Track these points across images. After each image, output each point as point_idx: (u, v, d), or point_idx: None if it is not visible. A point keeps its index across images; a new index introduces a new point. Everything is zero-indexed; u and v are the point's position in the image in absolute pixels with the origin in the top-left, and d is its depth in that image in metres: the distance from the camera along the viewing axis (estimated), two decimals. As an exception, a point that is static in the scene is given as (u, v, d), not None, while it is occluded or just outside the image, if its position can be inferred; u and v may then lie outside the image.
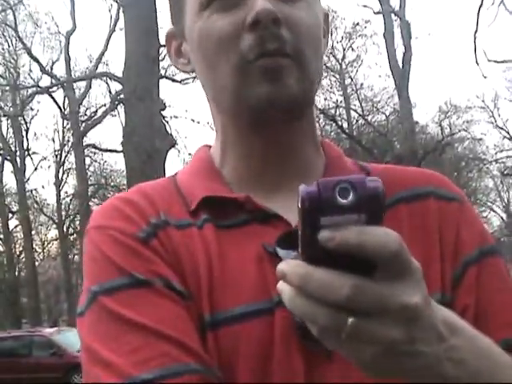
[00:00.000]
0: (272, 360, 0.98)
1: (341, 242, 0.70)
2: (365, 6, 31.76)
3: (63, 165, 39.48)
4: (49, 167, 39.62)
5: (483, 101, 38.96)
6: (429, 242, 1.09)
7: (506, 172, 43.13)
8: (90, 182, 36.05)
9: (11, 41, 35.01)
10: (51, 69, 35.45)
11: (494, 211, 59.54)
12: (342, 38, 34.01)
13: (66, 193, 40.67)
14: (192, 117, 28.75)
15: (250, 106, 1.06)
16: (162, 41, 8.86)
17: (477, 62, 24.10)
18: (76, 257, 41.20)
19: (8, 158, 38.14)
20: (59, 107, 35.16)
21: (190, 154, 20.83)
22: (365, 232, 0.71)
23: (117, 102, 29.13)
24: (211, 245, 1.05)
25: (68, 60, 34.22)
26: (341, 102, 34.15)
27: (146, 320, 0.95)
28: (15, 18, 32.33)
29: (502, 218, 61.27)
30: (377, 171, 1.19)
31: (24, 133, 38.13)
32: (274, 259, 1.01)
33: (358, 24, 33.45)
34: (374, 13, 30.52)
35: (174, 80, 26.44)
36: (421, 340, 0.76)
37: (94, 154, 37.12)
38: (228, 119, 1.15)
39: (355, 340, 0.73)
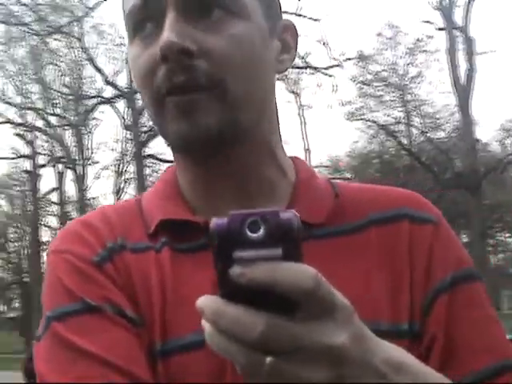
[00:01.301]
0: None
1: (251, 278, 0.67)
2: (427, 22, 31.57)
3: (123, 174, 39.91)
4: (109, 176, 40.13)
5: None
6: (399, 268, 1.04)
7: None
8: (149, 192, 36.29)
9: (76, 52, 35.54)
10: (114, 79, 35.87)
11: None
12: (404, 53, 33.90)
13: (126, 202, 41.05)
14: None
15: (170, 142, 1.04)
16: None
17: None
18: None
19: (69, 166, 38.66)
20: (121, 117, 35.56)
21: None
22: (276, 268, 0.67)
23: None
24: (166, 269, 1.02)
25: (131, 71, 34.56)
26: (402, 118, 33.97)
27: (95, 348, 0.93)
28: (81, 30, 32.79)
29: None
30: (348, 191, 1.15)
31: (86, 142, 38.65)
32: None
33: (420, 40, 33.30)
34: (437, 29, 30.31)
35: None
36: (352, 377, 0.72)
37: (154, 164, 37.45)
38: None
39: (278, 379, 0.69)
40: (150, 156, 36.13)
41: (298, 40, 1.15)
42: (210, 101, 0.99)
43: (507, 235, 50.37)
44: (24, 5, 27.62)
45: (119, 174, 39.58)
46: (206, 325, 0.72)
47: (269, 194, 1.09)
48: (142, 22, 1.03)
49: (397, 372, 0.76)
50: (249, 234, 0.67)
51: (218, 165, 1.06)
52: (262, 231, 0.67)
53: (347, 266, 1.02)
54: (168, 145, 1.07)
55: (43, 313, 1.02)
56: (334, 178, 1.22)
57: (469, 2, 28.44)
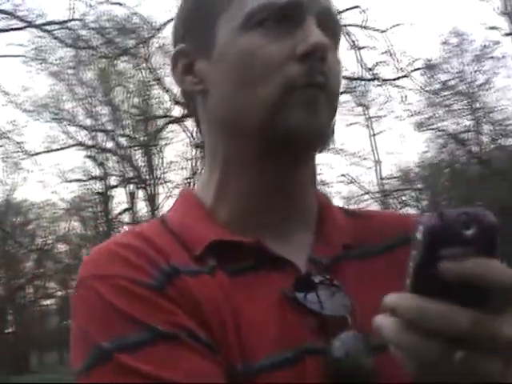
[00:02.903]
0: None
1: (462, 273, 0.70)
2: (493, 28, 31.19)
3: (193, 193, 40.02)
4: (180, 195, 40.29)
5: None
6: None
7: None
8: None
9: (144, 72, 35.94)
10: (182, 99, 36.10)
11: None
12: (471, 61, 33.50)
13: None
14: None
15: (286, 127, 1.06)
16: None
17: None
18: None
19: (141, 186, 39.00)
20: (190, 136, 35.80)
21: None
22: (485, 264, 0.71)
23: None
24: (230, 292, 1.01)
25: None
26: (471, 126, 33.54)
27: (176, 377, 0.90)
28: (148, 51, 33.15)
29: None
30: (369, 218, 1.20)
31: (156, 161, 38.98)
32: (295, 305, 1.00)
33: (487, 46, 32.90)
34: (503, 34, 29.93)
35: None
36: (510, 375, 0.74)
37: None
38: (239, 146, 1.12)
39: (468, 373, 0.72)
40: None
41: None
42: (327, 105, 1.08)
43: None
44: (92, 28, 28.01)
45: (190, 192, 39.73)
46: (389, 322, 0.74)
47: (303, 217, 1.14)
48: (276, 18, 1.08)
49: None
50: (463, 232, 0.70)
51: (294, 174, 1.12)
52: (472, 230, 0.70)
53: (384, 285, 0.99)
54: (278, 137, 1.07)
55: (84, 343, 0.96)
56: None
57: (536, 6, 28.04)
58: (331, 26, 1.12)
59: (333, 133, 1.11)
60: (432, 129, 31.38)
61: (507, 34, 29.16)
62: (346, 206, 1.27)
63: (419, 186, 33.36)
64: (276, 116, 1.06)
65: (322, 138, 1.08)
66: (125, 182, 40.31)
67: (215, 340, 0.96)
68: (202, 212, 1.13)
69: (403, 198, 31.49)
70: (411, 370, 0.74)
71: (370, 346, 0.96)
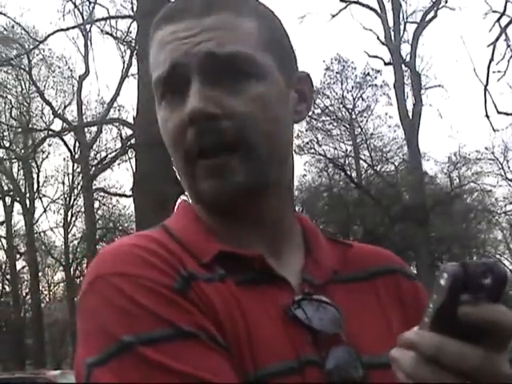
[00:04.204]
0: None
1: (479, 317, 0.79)
2: (375, 57, 31.99)
3: (72, 208, 39.54)
4: (58, 210, 39.73)
5: (493, 153, 38.73)
6: (406, 313, 1.19)
7: (514, 224, 43.00)
8: (98, 226, 36.03)
9: (25, 84, 35.31)
10: (63, 112, 35.65)
11: (503, 264, 59.29)
12: (353, 87, 34.26)
13: (74, 236, 40.65)
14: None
15: (201, 200, 1.12)
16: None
17: (487, 114, 24.18)
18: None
19: (18, 199, 38.24)
20: (70, 151, 35.33)
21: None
22: (499, 310, 0.81)
23: (127, 147, 29.26)
24: (241, 300, 1.05)
25: (80, 104, 34.42)
26: (350, 151, 34.27)
27: (200, 372, 0.93)
28: (30, 62, 32.60)
29: (510, 270, 61.06)
30: (348, 244, 1.27)
31: (34, 175, 38.30)
32: (294, 321, 1.06)
33: (368, 74, 33.72)
34: (385, 63, 30.71)
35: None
36: None
37: (103, 197, 37.22)
38: None
39: None
40: (100, 189, 35.95)
41: (313, 90, 1.24)
42: (238, 161, 1.07)
43: (455, 267, 50.78)
44: (-29, 37, 27.43)
45: (68, 207, 39.24)
46: (405, 355, 0.83)
47: (289, 238, 1.19)
48: (169, 91, 1.11)
49: None
50: (482, 280, 0.80)
51: (245, 214, 1.14)
52: (489, 279, 0.80)
53: (368, 309, 1.15)
54: (196, 202, 1.15)
55: (104, 336, 0.96)
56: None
57: (415, 38, 28.91)
58: (225, 67, 1.08)
59: (276, 171, 1.13)
60: (311, 153, 31.94)
61: (388, 63, 29.90)
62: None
63: (297, 208, 33.91)
64: (189, 185, 1.12)
65: (239, 195, 1.09)
66: (1, 194, 39.42)
67: (228, 344, 1.00)
68: (202, 226, 1.16)
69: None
70: None
71: (359, 359, 1.06)
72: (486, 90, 23.90)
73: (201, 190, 1.10)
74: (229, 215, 1.14)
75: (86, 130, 34.52)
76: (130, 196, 25.77)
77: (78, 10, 28.12)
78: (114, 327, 0.96)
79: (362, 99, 34.39)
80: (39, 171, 38.64)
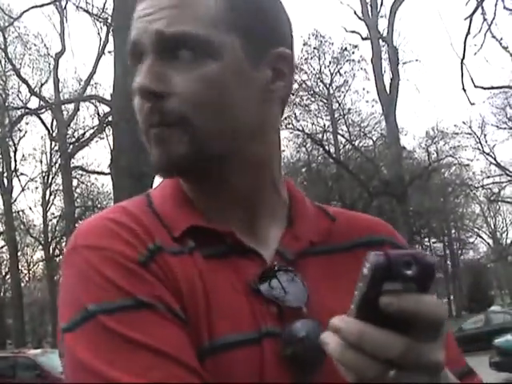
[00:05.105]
0: None
1: (400, 307, 0.79)
2: (353, 32, 31.94)
3: (50, 186, 39.47)
4: (36, 188, 39.65)
5: (470, 127, 39.11)
6: None
7: (492, 198, 43.27)
8: (76, 204, 36.03)
9: (0, 62, 35.04)
10: (40, 90, 35.47)
11: (481, 237, 59.68)
12: (330, 63, 34.23)
13: (53, 214, 40.67)
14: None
15: (153, 167, 1.15)
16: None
17: (464, 88, 24.19)
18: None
19: (-5, 178, 38.06)
20: (47, 129, 35.19)
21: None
22: (421, 300, 0.81)
23: (105, 125, 29.16)
24: (203, 272, 1.07)
25: (57, 82, 34.30)
26: (328, 126, 34.33)
27: (151, 340, 0.96)
28: (5, 40, 32.37)
29: (488, 243, 61.46)
30: (340, 217, 1.27)
31: (12, 154, 38.10)
32: (257, 294, 1.08)
33: (345, 49, 33.68)
34: (362, 38, 30.73)
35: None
36: None
37: (82, 176, 37.15)
38: None
39: None
40: (78, 167, 35.83)
41: (293, 67, 1.21)
42: (177, 135, 1.09)
43: (433, 240, 51.19)
44: None
45: (46, 185, 39.12)
46: (333, 341, 0.84)
47: (269, 212, 1.20)
48: (134, 66, 1.15)
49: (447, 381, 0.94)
50: (405, 271, 0.79)
51: (209, 188, 1.17)
52: (413, 269, 0.79)
53: (347, 281, 1.10)
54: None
55: (72, 304, 1.03)
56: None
57: (392, 13, 28.92)
58: (178, 46, 1.09)
59: (224, 144, 1.13)
60: (290, 128, 31.89)
61: (365, 38, 29.93)
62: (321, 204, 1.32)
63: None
64: (149, 152, 1.14)
65: (179, 165, 1.11)
66: (-22, 174, 39.19)
67: (187, 315, 1.02)
68: (183, 198, 1.19)
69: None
70: (351, 381, 0.84)
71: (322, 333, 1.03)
72: (462, 63, 23.93)
73: (152, 158, 1.13)
74: (192, 184, 1.18)
75: (63, 107, 34.38)
76: (108, 174, 25.73)
77: (53, -14, 27.83)
78: (81, 297, 1.02)
79: (340, 74, 34.48)
80: (16, 150, 38.51)
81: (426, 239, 47.69)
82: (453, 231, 53.91)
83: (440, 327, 0.84)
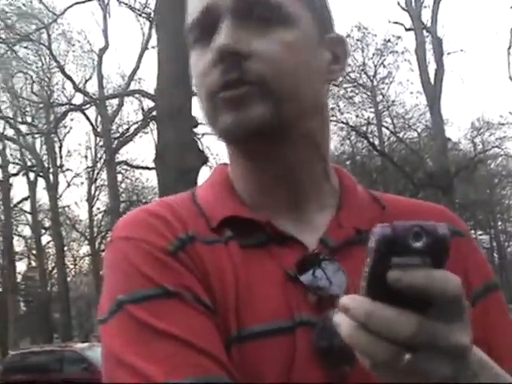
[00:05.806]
0: (292, 377, 1.00)
1: (409, 283, 0.73)
2: (396, 23, 31.76)
3: (95, 181, 39.80)
4: (81, 184, 40.02)
5: (516, 117, 38.64)
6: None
7: (539, 189, 42.76)
8: (121, 199, 36.28)
9: (45, 59, 35.39)
10: (84, 86, 35.75)
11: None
12: (374, 54, 34.07)
13: (98, 209, 41.01)
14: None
15: (220, 134, 1.13)
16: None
17: (510, 77, 23.93)
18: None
19: (41, 174, 38.48)
20: (92, 124, 35.45)
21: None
22: (431, 275, 0.74)
23: (149, 120, 29.30)
24: (237, 262, 1.07)
25: (100, 78, 34.57)
26: (372, 119, 34.15)
27: (176, 330, 0.97)
28: (49, 37, 32.65)
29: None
30: (389, 202, 1.24)
31: (57, 150, 38.47)
32: (295, 283, 1.07)
33: (389, 40, 33.48)
34: (406, 29, 30.49)
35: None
36: (462, 378, 0.80)
37: (126, 171, 37.42)
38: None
39: (408, 374, 0.76)
40: (122, 162, 36.07)
41: (348, 54, 1.25)
42: (257, 96, 1.09)
43: (479, 233, 50.81)
44: (-10, 13, 27.44)
45: (91, 181, 39.47)
46: (345, 321, 0.78)
47: (317, 198, 1.19)
48: (201, 34, 1.14)
49: (481, 369, 0.87)
50: (412, 243, 0.73)
51: (267, 160, 1.16)
52: (423, 241, 0.73)
53: None
54: (219, 137, 1.15)
55: (107, 296, 1.05)
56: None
57: (436, 3, 28.65)
58: (257, 10, 1.11)
59: (298, 114, 1.13)
60: (334, 120, 31.78)
61: (409, 29, 29.70)
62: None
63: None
64: (212, 122, 1.14)
65: (257, 127, 1.09)
66: (25, 170, 39.67)
67: (215, 304, 1.03)
68: (227, 188, 1.20)
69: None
70: (367, 366, 0.78)
71: None
72: (508, 52, 23.63)
73: (220, 124, 1.11)
74: (249, 159, 1.16)
75: (107, 103, 34.64)
76: (152, 168, 25.84)
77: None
78: (113, 287, 1.06)
79: (384, 66, 34.23)
80: (61, 146, 38.86)
81: (472, 231, 47.25)
82: (499, 223, 53.32)
83: (458, 305, 0.78)
